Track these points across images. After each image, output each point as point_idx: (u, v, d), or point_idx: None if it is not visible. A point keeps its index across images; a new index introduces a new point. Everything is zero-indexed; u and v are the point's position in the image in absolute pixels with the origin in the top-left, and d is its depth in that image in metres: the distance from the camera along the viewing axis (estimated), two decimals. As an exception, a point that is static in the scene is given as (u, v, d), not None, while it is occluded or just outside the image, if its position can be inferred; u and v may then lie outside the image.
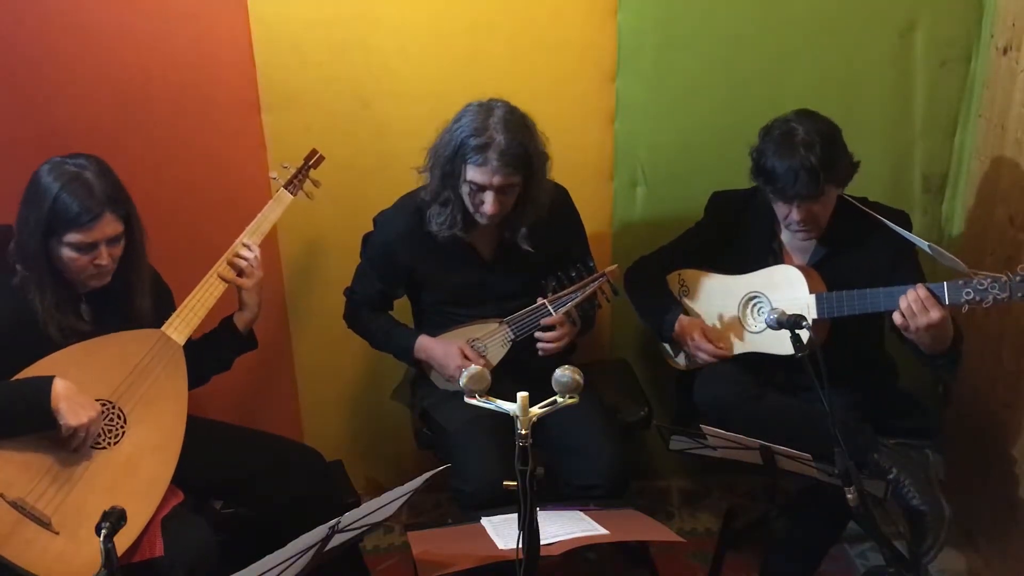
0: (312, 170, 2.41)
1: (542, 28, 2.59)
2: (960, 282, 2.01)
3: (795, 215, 2.20)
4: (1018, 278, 1.96)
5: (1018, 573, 2.43)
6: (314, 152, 2.43)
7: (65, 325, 1.96)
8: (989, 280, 1.98)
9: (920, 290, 2.03)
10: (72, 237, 1.88)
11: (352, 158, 2.63)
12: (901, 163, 2.74)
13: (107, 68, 2.49)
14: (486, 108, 2.16)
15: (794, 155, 2.12)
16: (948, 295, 2.02)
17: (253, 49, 2.53)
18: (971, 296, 2.00)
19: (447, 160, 2.17)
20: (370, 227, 2.43)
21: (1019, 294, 1.96)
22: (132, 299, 2.06)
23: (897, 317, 2.06)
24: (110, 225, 1.91)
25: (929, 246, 2.14)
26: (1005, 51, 2.50)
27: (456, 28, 2.56)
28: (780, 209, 2.24)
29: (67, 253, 1.90)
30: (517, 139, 2.13)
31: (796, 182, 2.12)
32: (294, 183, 2.36)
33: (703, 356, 2.38)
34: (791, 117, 2.19)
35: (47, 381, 1.86)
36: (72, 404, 1.86)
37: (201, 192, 2.63)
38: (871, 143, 2.67)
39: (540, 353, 2.31)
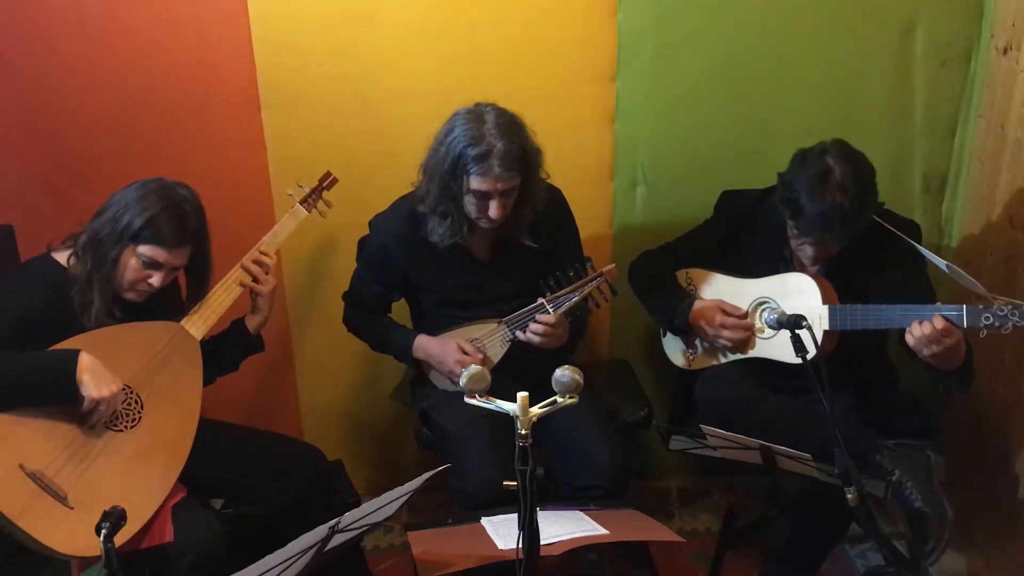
0: (325, 191, 2.45)
1: (542, 28, 2.59)
2: (980, 307, 1.99)
3: (809, 252, 2.19)
4: None
5: (1018, 573, 2.43)
6: (328, 174, 2.46)
7: (101, 321, 2.02)
8: (1010, 307, 1.96)
9: (937, 321, 2.00)
10: (148, 251, 1.97)
11: (352, 158, 2.63)
12: (901, 163, 2.74)
13: (107, 68, 2.50)
14: (476, 115, 2.15)
15: (826, 199, 2.07)
16: (967, 319, 2.00)
17: (253, 49, 2.53)
18: (991, 322, 1.98)
19: (446, 173, 2.16)
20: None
21: None
22: (163, 309, 2.14)
23: (909, 340, 2.04)
24: (182, 257, 2.03)
25: (947, 266, 2.11)
26: (1005, 51, 2.50)
27: (456, 28, 2.57)
28: (796, 240, 2.22)
29: (132, 262, 1.99)
30: (515, 141, 2.13)
31: (824, 228, 2.09)
32: (308, 201, 2.42)
33: (727, 335, 2.33)
34: (829, 150, 2.13)
35: (74, 353, 1.92)
36: (96, 377, 1.91)
37: (201, 191, 2.60)
38: (871, 143, 2.64)
39: (522, 337, 2.29)
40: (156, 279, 2.01)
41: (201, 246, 2.07)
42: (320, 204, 2.45)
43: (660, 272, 2.50)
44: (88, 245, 2.00)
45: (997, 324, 1.97)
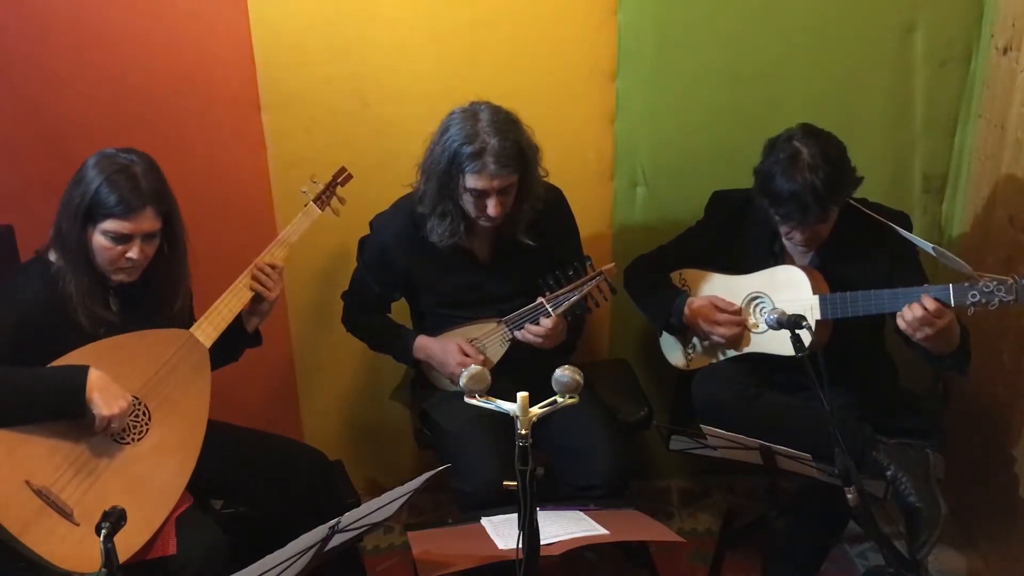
0: (339, 187, 2.40)
1: (542, 28, 2.59)
2: (966, 284, 2.00)
3: (798, 236, 2.20)
4: None
5: (1018, 573, 2.43)
6: (343, 170, 2.41)
7: (93, 313, 1.97)
8: (995, 283, 1.97)
9: (927, 302, 2.00)
10: (109, 225, 1.89)
11: (352, 158, 2.62)
12: (901, 163, 2.74)
13: (107, 68, 2.50)
14: (471, 114, 2.15)
15: (800, 179, 2.08)
16: (954, 297, 2.01)
17: (253, 49, 2.53)
18: (977, 299, 1.98)
19: (443, 172, 2.16)
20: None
21: None
22: (166, 299, 2.08)
23: (901, 324, 2.05)
24: (149, 220, 1.92)
25: (933, 248, 2.13)
26: (1005, 51, 2.50)
27: (456, 28, 2.57)
28: (783, 227, 2.23)
29: (102, 241, 1.92)
30: (509, 138, 2.13)
31: (803, 209, 2.10)
32: (322, 198, 2.35)
33: (721, 331, 2.34)
34: (796, 135, 2.15)
35: (83, 370, 1.88)
36: (106, 394, 1.88)
37: (201, 192, 2.62)
38: (871, 143, 2.67)
39: (519, 336, 2.30)
40: (134, 251, 1.92)
41: (164, 203, 1.95)
42: (334, 201, 2.37)
43: (654, 275, 2.51)
44: (55, 238, 1.95)
45: (984, 300, 1.98)
